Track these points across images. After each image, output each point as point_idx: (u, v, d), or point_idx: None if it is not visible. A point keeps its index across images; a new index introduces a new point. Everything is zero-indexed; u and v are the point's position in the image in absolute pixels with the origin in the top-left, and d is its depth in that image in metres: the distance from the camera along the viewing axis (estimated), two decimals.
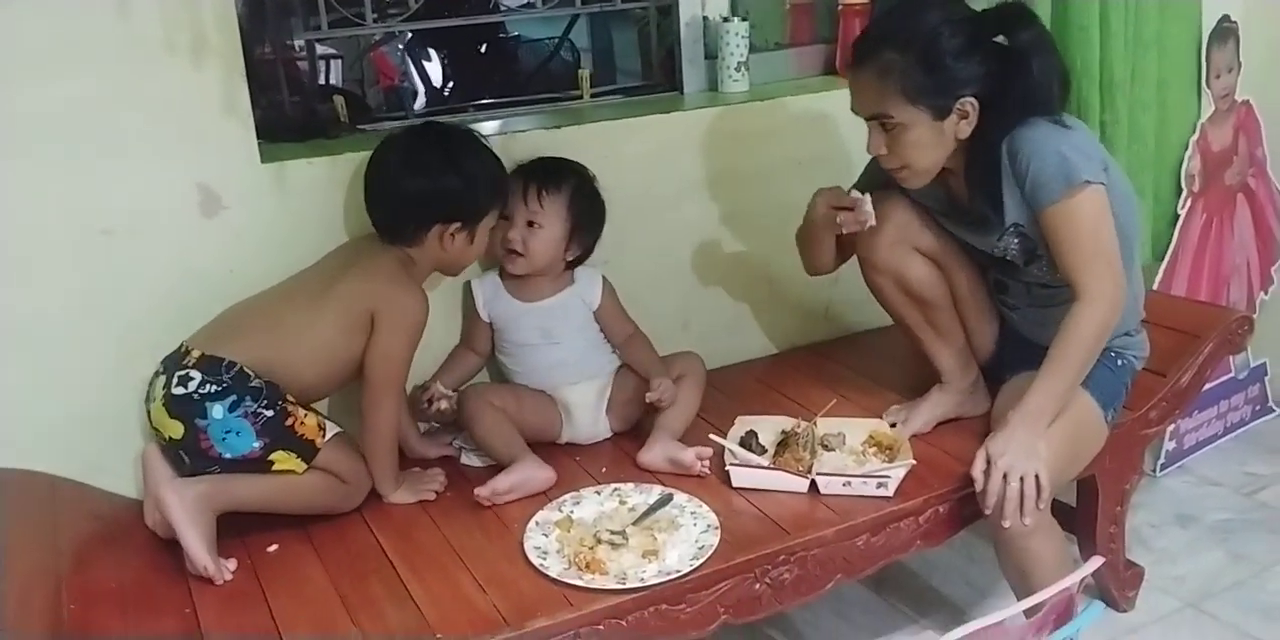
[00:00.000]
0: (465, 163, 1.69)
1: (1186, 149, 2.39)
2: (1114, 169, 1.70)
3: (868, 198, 1.69)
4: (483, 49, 3.42)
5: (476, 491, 1.66)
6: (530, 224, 1.80)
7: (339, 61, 3.26)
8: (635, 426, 1.88)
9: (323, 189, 1.79)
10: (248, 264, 1.73)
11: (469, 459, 1.83)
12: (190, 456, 1.58)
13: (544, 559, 1.51)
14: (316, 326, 1.64)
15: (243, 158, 1.72)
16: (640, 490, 1.68)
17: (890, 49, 1.61)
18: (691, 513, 1.61)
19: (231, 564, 1.54)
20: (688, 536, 1.56)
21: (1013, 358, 1.83)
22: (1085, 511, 1.95)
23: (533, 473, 1.70)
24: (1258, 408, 2.69)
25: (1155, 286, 2.40)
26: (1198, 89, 2.41)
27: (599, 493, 1.68)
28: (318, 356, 1.64)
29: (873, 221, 1.70)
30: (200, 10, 1.63)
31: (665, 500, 1.64)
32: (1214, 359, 1.96)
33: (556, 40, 3.26)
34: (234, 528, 1.58)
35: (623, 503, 1.66)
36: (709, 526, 1.57)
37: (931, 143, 1.65)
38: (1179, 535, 2.27)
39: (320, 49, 2.95)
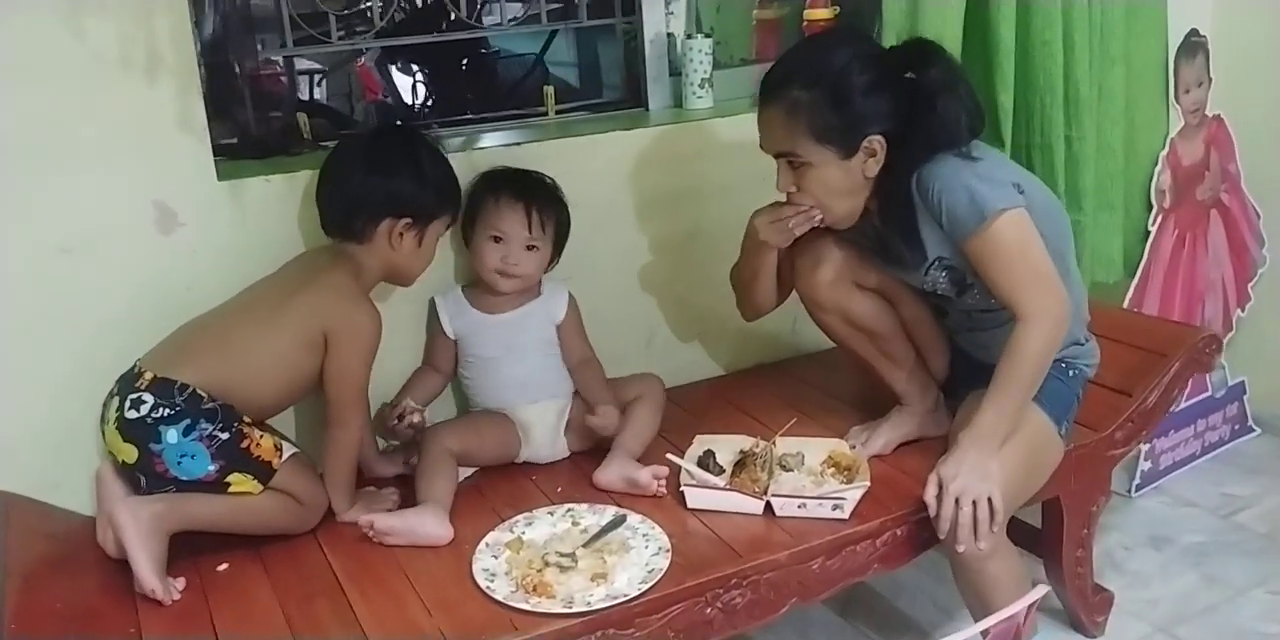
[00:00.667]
0: (421, 162, 1.71)
1: (1156, 164, 2.38)
2: (1031, 184, 1.69)
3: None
4: (464, 65, 3.41)
5: (360, 518, 1.63)
6: (530, 248, 1.82)
7: (321, 76, 3.26)
8: (594, 446, 1.86)
9: (281, 206, 1.78)
10: (205, 281, 1.72)
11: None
12: (146, 477, 1.57)
13: (491, 581, 1.50)
14: (270, 345, 1.63)
15: (199, 175, 1.71)
16: (594, 511, 1.66)
17: (797, 86, 1.60)
18: (644, 535, 1.59)
19: (180, 583, 1.53)
20: (638, 559, 1.54)
21: (967, 376, 1.81)
22: (1051, 535, 1.92)
23: (419, 523, 1.61)
24: (1236, 427, 2.66)
25: (1126, 304, 2.38)
26: (1166, 104, 2.39)
27: (552, 513, 1.66)
28: (273, 374, 1.63)
29: (820, 215, 1.68)
30: (155, 27, 1.62)
31: (618, 522, 1.62)
32: (1180, 378, 1.93)
33: (535, 57, 3.24)
34: (186, 546, 1.56)
35: (575, 524, 1.64)
36: (660, 549, 1.55)
37: (839, 181, 1.64)
38: (1152, 558, 2.24)
39: (303, 64, 2.96)
